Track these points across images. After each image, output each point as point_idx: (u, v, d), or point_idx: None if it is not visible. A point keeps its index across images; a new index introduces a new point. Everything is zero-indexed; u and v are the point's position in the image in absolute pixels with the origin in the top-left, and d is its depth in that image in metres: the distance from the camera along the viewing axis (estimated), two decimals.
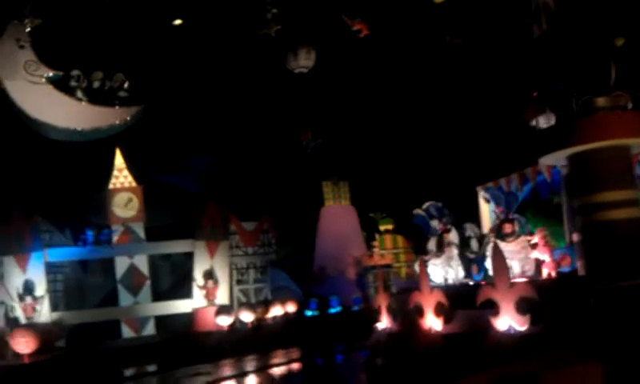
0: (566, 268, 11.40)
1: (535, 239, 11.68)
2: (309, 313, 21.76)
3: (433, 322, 11.09)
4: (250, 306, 20.39)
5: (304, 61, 15.58)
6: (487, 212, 15.70)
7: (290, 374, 15.66)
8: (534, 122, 9.71)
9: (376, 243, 23.72)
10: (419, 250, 19.18)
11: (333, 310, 22.11)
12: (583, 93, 8.04)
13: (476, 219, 15.54)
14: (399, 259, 23.26)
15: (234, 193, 22.13)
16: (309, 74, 15.91)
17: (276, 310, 20.59)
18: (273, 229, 22.42)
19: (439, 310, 11.04)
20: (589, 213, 8.03)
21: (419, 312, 11.38)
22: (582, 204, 8.14)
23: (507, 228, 11.74)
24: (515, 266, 11.12)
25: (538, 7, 10.28)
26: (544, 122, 8.85)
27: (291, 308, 21.15)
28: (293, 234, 24.38)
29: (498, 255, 9.52)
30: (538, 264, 11.44)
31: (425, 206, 14.17)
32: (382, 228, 23.80)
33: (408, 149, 22.18)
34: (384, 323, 13.02)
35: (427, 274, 11.64)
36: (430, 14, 15.19)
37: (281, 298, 21.54)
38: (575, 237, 9.85)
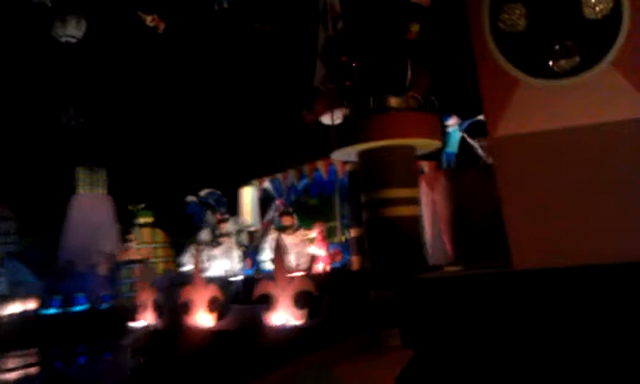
0: (337, 263, 11.73)
1: (313, 234, 11.85)
2: (51, 311, 19.86)
3: (204, 318, 10.53)
4: None
5: (73, 30, 13.96)
6: (251, 205, 15.59)
7: (24, 379, 13.95)
8: (324, 118, 9.76)
9: (132, 237, 22.32)
10: (179, 245, 18.50)
11: (79, 308, 20.41)
12: (378, 91, 8.21)
13: (239, 212, 15.36)
14: (157, 254, 22.11)
15: None
16: (76, 45, 14.34)
17: (13, 308, 18.49)
18: (14, 216, 20.09)
19: (212, 306, 10.53)
20: (374, 208, 8.19)
21: (190, 307, 10.75)
22: (368, 200, 8.28)
23: (287, 221, 11.72)
24: (291, 259, 11.07)
25: (325, 9, 10.37)
26: (335, 117, 8.90)
27: (31, 305, 19.17)
28: (38, 223, 21.94)
29: (280, 249, 9.35)
30: (313, 258, 11.60)
31: (202, 193, 13.53)
32: (139, 220, 22.46)
33: (171, 139, 21.26)
34: (146, 320, 12.13)
35: (201, 267, 11.04)
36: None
37: (19, 293, 19.43)
38: (353, 233, 10.13)
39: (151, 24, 14.72)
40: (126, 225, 23.24)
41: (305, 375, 6.78)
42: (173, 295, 11.30)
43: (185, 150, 19.88)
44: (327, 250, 11.79)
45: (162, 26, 14.19)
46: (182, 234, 18.31)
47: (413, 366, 5.95)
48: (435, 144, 8.81)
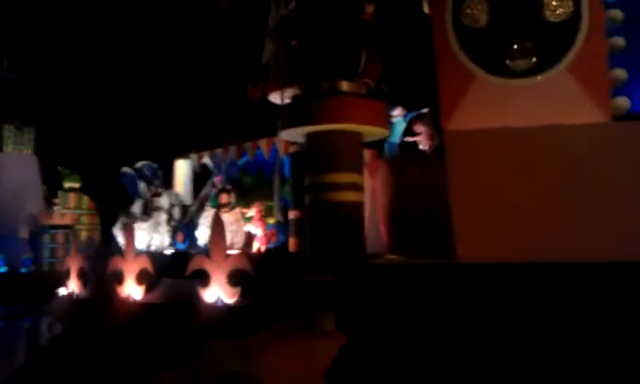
0: (273, 244, 11.65)
1: (250, 212, 11.74)
2: None
3: (133, 290, 10.26)
4: None
5: None
6: (185, 179, 15.29)
7: None
8: (272, 96, 9.57)
9: (58, 201, 21.47)
10: (106, 214, 17.96)
11: None
12: (330, 74, 8.08)
13: (173, 185, 15.05)
14: (82, 221, 21.35)
15: None
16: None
17: None
18: None
19: (142, 278, 10.26)
20: (318, 191, 8.09)
21: (118, 278, 10.44)
22: (312, 183, 8.17)
23: (224, 198, 11.56)
24: (227, 236, 10.91)
25: None
26: (285, 96, 8.71)
27: None
28: None
29: (219, 225, 9.22)
30: (249, 237, 11.50)
31: (138, 165, 13.12)
32: (66, 185, 21.60)
33: (107, 103, 20.52)
34: (70, 288, 11.72)
35: (133, 238, 10.71)
36: None
37: None
38: (292, 214, 10.03)
39: None
40: (51, 188, 22.31)
41: (226, 357, 6.69)
42: (100, 264, 10.95)
43: (120, 115, 19.22)
44: (264, 229, 11.71)
45: None
46: (111, 203, 17.77)
47: (347, 351, 5.95)
48: (383, 133, 8.77)
